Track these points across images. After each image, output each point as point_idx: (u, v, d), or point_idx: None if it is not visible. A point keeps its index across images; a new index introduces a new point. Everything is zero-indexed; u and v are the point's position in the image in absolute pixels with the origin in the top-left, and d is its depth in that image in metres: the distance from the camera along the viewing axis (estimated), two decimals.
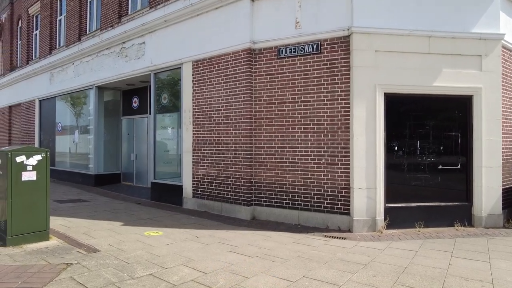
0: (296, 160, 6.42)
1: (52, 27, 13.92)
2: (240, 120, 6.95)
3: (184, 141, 8.05)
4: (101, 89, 11.26)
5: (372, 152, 5.85)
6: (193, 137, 7.85)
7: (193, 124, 7.85)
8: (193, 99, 7.86)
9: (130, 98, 11.48)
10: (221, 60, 7.29)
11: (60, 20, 13.72)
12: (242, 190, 6.88)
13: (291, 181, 6.47)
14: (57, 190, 10.10)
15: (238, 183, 6.95)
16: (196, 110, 7.78)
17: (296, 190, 6.42)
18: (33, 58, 15.34)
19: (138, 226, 5.98)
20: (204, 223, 6.41)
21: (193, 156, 7.83)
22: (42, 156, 4.64)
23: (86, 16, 12.12)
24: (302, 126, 6.38)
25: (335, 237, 5.60)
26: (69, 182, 11.95)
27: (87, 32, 11.96)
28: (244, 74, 6.87)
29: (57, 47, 13.63)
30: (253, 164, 6.86)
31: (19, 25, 17.29)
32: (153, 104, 9.04)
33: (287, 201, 6.52)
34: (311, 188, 6.29)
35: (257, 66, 6.87)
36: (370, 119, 5.86)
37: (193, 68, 7.86)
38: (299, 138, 6.41)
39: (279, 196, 6.60)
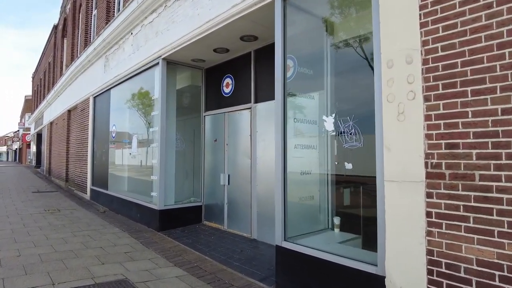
0: None
1: None
2: None
3: (391, 152, 2.81)
4: (171, 65, 6.71)
5: None
6: (427, 137, 2.57)
7: (427, 101, 2.59)
8: (424, 23, 2.63)
9: (218, 80, 6.77)
10: None
11: None
12: None
13: None
14: (95, 238, 5.60)
15: None
16: (442, 58, 2.52)
17: None
18: (90, 42, 11.72)
19: None
20: None
21: (428, 193, 2.54)
22: None
23: None
24: None
25: None
26: (123, 217, 7.56)
27: None
28: None
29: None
30: None
31: (80, 12, 14.16)
32: (279, 74, 3.97)
33: None
34: None
35: None
36: None
37: None
38: None
39: None
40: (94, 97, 10.48)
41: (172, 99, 6.79)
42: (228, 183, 6.30)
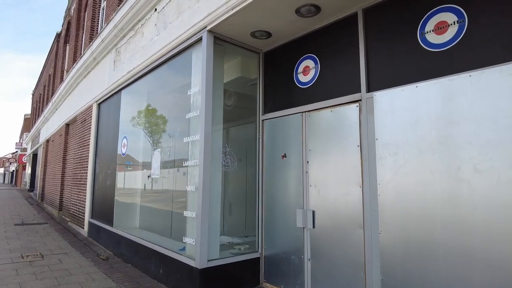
0: None
1: None
2: None
3: None
4: (219, 43, 4.46)
5: None
6: None
7: None
8: None
9: (288, 65, 4.49)
10: None
11: None
12: None
13: None
14: None
15: None
16: None
17: None
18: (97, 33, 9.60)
19: None
20: None
21: None
22: None
23: None
24: None
25: None
26: (136, 269, 5.08)
27: None
28: None
29: None
30: None
31: (86, 10, 12.20)
32: None
33: None
34: None
35: None
36: None
37: None
38: None
39: None
40: (99, 104, 8.22)
41: (219, 95, 4.49)
42: (313, 226, 3.88)
